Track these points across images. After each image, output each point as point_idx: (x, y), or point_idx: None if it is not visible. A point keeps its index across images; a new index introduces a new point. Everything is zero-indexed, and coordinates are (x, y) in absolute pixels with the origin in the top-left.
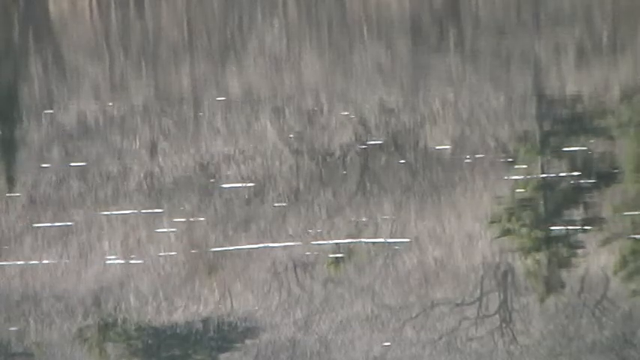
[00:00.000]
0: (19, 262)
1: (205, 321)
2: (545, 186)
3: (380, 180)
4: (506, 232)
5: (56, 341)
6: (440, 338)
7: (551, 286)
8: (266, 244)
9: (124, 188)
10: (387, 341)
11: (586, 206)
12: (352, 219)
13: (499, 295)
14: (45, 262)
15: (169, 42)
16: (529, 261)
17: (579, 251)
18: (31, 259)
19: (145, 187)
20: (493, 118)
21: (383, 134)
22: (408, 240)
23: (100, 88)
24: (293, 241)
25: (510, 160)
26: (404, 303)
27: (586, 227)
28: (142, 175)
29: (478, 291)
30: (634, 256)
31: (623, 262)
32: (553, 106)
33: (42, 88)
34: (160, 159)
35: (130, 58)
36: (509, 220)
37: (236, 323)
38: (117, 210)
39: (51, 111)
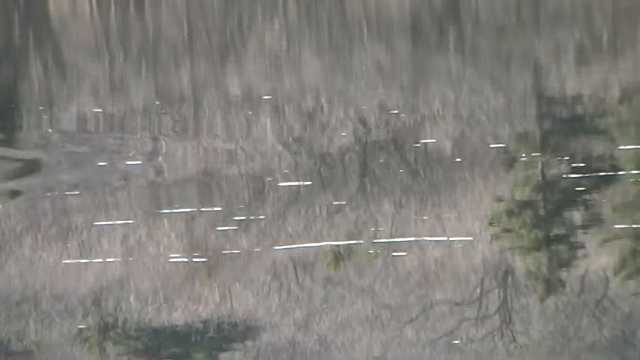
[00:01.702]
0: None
1: (205, 321)
2: (545, 186)
3: (380, 180)
4: (506, 232)
5: (56, 341)
6: (440, 338)
7: (551, 286)
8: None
9: (123, 188)
10: (387, 341)
11: (586, 206)
12: (352, 219)
13: (499, 295)
14: (100, 260)
15: (169, 42)
16: (529, 261)
17: (579, 251)
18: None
19: (145, 186)
20: (493, 118)
21: (383, 134)
22: (470, 238)
23: (100, 88)
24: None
25: (510, 160)
26: (404, 303)
27: (586, 227)
28: (141, 174)
29: (478, 291)
30: (634, 256)
31: (623, 262)
32: (553, 106)
33: (42, 88)
34: (160, 159)
35: (130, 58)
36: (509, 220)
37: (236, 323)
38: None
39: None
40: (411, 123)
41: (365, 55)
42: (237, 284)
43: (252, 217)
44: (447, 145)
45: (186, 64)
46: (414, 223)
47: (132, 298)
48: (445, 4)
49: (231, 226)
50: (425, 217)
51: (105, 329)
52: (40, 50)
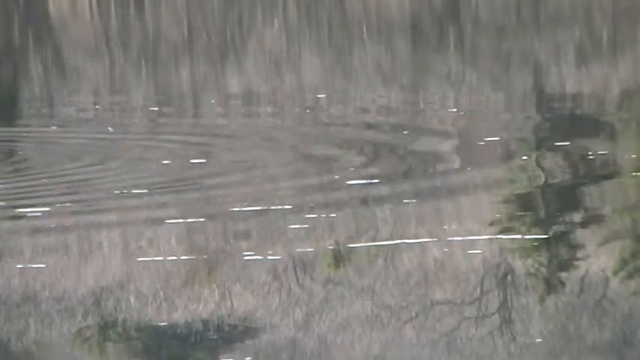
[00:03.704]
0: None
1: (205, 321)
2: (545, 186)
3: (380, 180)
4: (506, 232)
5: (56, 341)
6: (440, 338)
7: (551, 286)
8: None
9: (122, 188)
10: (387, 341)
11: (586, 206)
12: (352, 219)
13: (499, 295)
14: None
15: (169, 42)
16: (529, 261)
17: (579, 251)
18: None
19: (144, 187)
20: (493, 118)
21: (383, 134)
22: (546, 236)
23: (100, 88)
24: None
25: (510, 160)
26: (404, 303)
27: (586, 227)
28: (140, 175)
29: (478, 291)
30: (634, 256)
31: (623, 262)
32: (553, 106)
33: (42, 88)
34: (160, 159)
35: (130, 58)
36: (509, 221)
37: (236, 323)
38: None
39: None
40: (411, 123)
41: (365, 55)
42: (238, 284)
43: (323, 215)
44: (447, 145)
45: (186, 64)
46: (414, 223)
47: (132, 298)
48: (445, 4)
49: (302, 224)
50: (425, 217)
51: (105, 329)
52: (40, 50)
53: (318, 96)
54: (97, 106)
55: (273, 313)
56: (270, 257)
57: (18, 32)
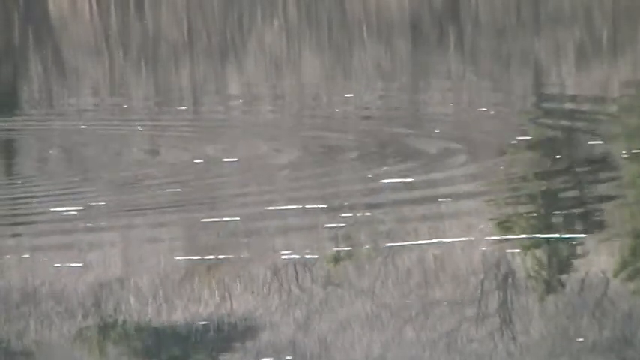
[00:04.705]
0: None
1: (205, 321)
2: (545, 186)
3: (380, 180)
4: (507, 232)
5: (56, 341)
6: (440, 338)
7: (551, 286)
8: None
9: (123, 189)
10: (387, 341)
11: (586, 206)
12: (352, 219)
13: (499, 295)
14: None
15: (169, 42)
16: (529, 261)
17: (579, 251)
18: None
19: (144, 188)
20: (493, 117)
21: (383, 134)
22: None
23: (100, 88)
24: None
25: (510, 159)
26: (404, 303)
27: (586, 227)
28: (141, 175)
29: (478, 291)
30: (634, 256)
31: (623, 262)
32: (553, 106)
33: (42, 88)
34: (160, 159)
35: (130, 58)
36: (509, 220)
37: (236, 323)
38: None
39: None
40: (410, 122)
41: (365, 55)
42: (238, 284)
43: (358, 214)
44: (447, 145)
45: (186, 64)
46: (414, 224)
47: (132, 298)
48: (445, 4)
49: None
50: (425, 218)
51: (105, 329)
52: (40, 50)
53: (318, 96)
54: (96, 105)
55: (273, 312)
56: (307, 255)
57: (18, 32)
